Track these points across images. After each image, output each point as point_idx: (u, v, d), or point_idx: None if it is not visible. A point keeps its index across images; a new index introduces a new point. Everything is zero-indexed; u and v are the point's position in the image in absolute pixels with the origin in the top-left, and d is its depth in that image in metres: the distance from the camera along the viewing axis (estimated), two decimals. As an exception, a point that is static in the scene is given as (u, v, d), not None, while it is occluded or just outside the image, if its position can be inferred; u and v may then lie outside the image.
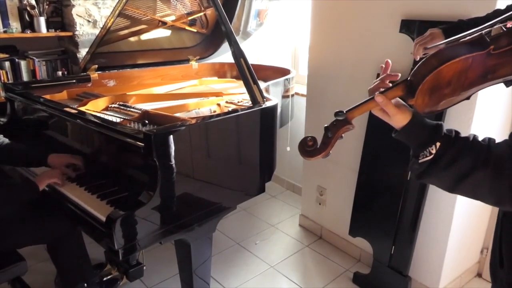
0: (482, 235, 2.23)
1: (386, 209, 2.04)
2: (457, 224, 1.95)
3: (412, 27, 1.83)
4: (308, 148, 0.88)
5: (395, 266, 2.06)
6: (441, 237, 1.96)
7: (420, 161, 0.80)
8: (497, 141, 0.78)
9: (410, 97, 0.80)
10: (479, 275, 2.30)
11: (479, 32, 0.77)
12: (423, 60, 0.78)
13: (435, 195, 1.93)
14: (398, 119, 0.82)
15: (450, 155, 0.77)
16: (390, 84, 0.86)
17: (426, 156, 0.79)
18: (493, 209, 2.12)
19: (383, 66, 0.96)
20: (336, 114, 0.87)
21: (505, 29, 0.75)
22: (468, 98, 0.84)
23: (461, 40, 0.77)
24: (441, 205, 1.93)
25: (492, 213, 2.15)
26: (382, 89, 0.85)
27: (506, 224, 0.90)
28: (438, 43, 0.83)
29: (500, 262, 0.91)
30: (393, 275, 2.06)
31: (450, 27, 1.26)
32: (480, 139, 0.79)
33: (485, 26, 0.78)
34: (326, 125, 0.88)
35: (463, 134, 0.81)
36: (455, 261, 2.07)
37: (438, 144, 0.78)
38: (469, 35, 0.77)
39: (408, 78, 0.81)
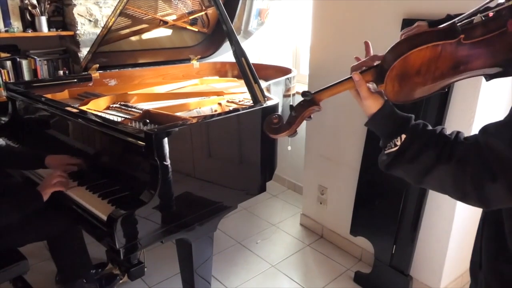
0: (483, 235, 2.23)
1: (387, 208, 2.04)
2: (458, 223, 1.94)
3: (414, 26, 1.82)
4: (273, 125, 0.87)
5: (396, 266, 2.06)
6: (442, 236, 1.96)
7: (386, 152, 0.80)
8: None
9: (379, 82, 0.79)
10: (480, 274, 2.29)
11: (452, 20, 0.74)
12: (392, 45, 0.76)
13: (437, 195, 1.92)
14: (368, 104, 0.81)
15: (415, 148, 0.76)
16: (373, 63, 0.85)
17: (392, 148, 0.79)
18: (494, 209, 2.11)
19: (357, 58, 0.96)
20: (303, 94, 0.86)
21: (483, 18, 0.72)
22: (443, 89, 0.82)
23: (432, 28, 0.76)
24: (442, 204, 1.93)
25: (494, 212, 2.15)
26: (363, 68, 0.84)
27: (486, 227, 0.90)
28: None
29: (480, 263, 0.91)
30: (394, 274, 2.06)
31: (438, 20, 1.24)
32: (448, 132, 0.77)
33: (464, 16, 0.76)
34: (291, 104, 0.87)
35: (431, 127, 0.79)
36: (456, 260, 2.07)
37: (403, 136, 0.77)
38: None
39: (379, 63, 0.80)
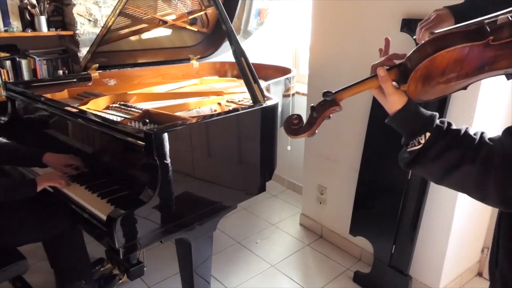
0: (482, 234, 2.23)
1: (386, 208, 2.04)
2: (458, 223, 1.95)
3: (413, 26, 1.82)
4: (293, 126, 0.87)
5: (396, 265, 2.06)
6: (441, 236, 1.96)
7: (408, 149, 0.79)
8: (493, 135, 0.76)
9: (402, 82, 0.78)
10: (479, 274, 2.30)
11: (481, 21, 0.72)
12: (418, 46, 0.75)
13: (436, 194, 1.93)
14: (393, 100, 0.80)
15: (439, 147, 0.75)
16: (394, 63, 0.84)
17: (415, 145, 0.78)
18: (493, 208, 2.12)
19: (381, 49, 0.94)
20: (324, 94, 0.85)
21: (510, 18, 0.70)
22: (464, 88, 0.82)
23: (460, 28, 0.74)
24: (441, 204, 1.93)
25: (493, 212, 2.15)
26: (386, 67, 0.83)
27: (502, 224, 0.90)
28: (447, 29, 0.80)
29: (496, 262, 0.91)
30: (394, 274, 2.06)
31: (459, 6, 1.14)
32: (472, 132, 0.76)
33: (493, 16, 0.74)
34: (312, 105, 0.86)
35: (455, 126, 0.78)
36: (455, 260, 2.07)
37: (428, 134, 0.77)
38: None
39: (403, 62, 0.79)
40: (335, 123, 2.34)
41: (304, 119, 0.88)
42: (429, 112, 0.80)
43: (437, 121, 0.78)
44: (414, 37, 1.16)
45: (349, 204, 2.31)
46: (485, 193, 0.72)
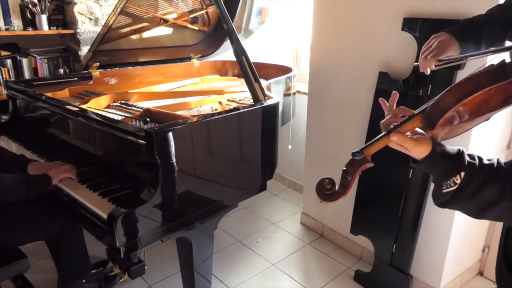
0: (483, 234, 2.23)
1: (387, 207, 2.04)
2: (459, 223, 1.94)
3: (415, 25, 1.82)
4: (326, 191, 0.85)
5: (397, 264, 2.06)
6: (442, 236, 1.96)
7: (444, 191, 0.77)
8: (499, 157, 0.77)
9: (429, 129, 0.77)
10: (480, 273, 2.30)
11: (501, 61, 0.73)
12: (443, 92, 0.74)
13: (437, 194, 1.92)
14: (418, 151, 0.78)
15: (476, 184, 0.74)
16: (402, 119, 0.82)
17: (451, 186, 0.76)
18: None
19: (383, 101, 0.90)
20: (354, 154, 0.84)
21: None
22: (487, 119, 0.82)
23: (481, 70, 0.74)
24: (442, 204, 1.92)
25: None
26: (395, 123, 0.81)
27: None
28: (455, 57, 0.79)
29: (509, 268, 0.90)
30: (395, 273, 2.06)
31: (458, 28, 1.11)
32: (503, 162, 0.75)
33: (501, 49, 0.75)
34: (344, 168, 0.85)
35: (486, 158, 0.77)
36: (456, 259, 2.07)
37: (462, 174, 0.75)
38: (485, 56, 0.74)
39: (426, 110, 0.77)
40: (336, 122, 2.34)
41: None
42: (455, 149, 0.78)
43: (468, 158, 0.77)
44: (415, 64, 1.09)
45: (350, 203, 2.30)
46: None
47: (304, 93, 2.77)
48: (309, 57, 2.46)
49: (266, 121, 1.75)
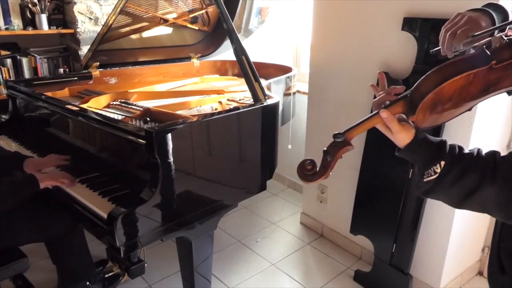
0: (483, 234, 2.23)
1: (387, 207, 2.04)
2: (458, 222, 1.94)
3: (414, 25, 1.82)
4: (307, 172, 0.87)
5: (396, 264, 2.06)
6: (442, 235, 1.96)
7: (425, 179, 0.79)
8: (501, 153, 0.76)
9: (411, 114, 0.79)
10: (480, 273, 2.30)
11: (480, 46, 0.74)
12: (423, 77, 0.76)
13: (437, 194, 1.92)
14: (401, 137, 0.80)
15: (456, 173, 0.75)
16: (395, 97, 0.84)
17: (431, 175, 0.78)
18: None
19: (373, 85, 0.93)
20: (335, 136, 0.85)
21: (505, 38, 0.73)
22: (469, 109, 0.82)
23: (464, 56, 0.75)
24: (442, 204, 1.91)
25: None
26: (387, 102, 0.83)
27: (507, 231, 0.89)
28: (487, 29, 0.77)
29: (501, 269, 0.90)
30: (394, 273, 2.06)
31: (486, 6, 0.94)
32: (484, 152, 0.77)
33: (483, 32, 0.75)
34: (325, 149, 0.86)
35: (466, 148, 0.79)
36: (456, 259, 2.07)
37: (442, 162, 0.76)
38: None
39: (408, 94, 0.79)
40: (336, 121, 2.34)
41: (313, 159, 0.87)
42: (438, 139, 0.80)
43: (448, 148, 0.78)
44: (432, 51, 0.95)
45: (349, 203, 2.31)
46: (508, 212, 0.73)
47: (304, 93, 2.77)
48: (309, 57, 2.46)
49: (266, 120, 1.75)
